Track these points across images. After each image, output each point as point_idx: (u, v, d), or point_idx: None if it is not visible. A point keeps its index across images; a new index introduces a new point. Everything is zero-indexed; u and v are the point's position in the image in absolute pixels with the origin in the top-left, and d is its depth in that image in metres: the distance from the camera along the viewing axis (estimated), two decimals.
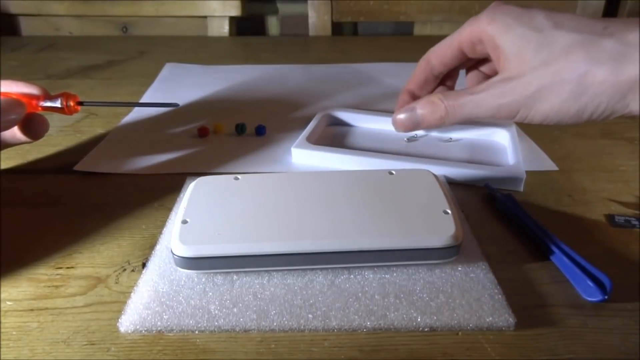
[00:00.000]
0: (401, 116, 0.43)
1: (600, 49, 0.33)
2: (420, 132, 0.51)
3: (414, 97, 0.46)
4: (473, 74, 0.46)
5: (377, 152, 0.45)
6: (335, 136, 0.51)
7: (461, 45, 0.41)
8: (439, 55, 0.44)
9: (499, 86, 0.37)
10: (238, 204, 0.33)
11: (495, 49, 0.38)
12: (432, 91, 0.47)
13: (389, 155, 0.45)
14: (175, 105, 0.42)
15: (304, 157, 0.46)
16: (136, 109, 0.58)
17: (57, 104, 0.39)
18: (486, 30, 0.38)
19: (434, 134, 0.51)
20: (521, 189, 0.42)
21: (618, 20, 0.34)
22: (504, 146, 0.49)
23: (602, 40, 0.33)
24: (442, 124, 0.41)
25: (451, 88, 0.47)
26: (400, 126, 0.43)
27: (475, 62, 0.45)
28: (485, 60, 0.44)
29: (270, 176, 0.37)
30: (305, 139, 0.47)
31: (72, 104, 0.40)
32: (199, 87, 0.66)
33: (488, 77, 0.44)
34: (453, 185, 0.42)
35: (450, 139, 0.50)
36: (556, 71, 0.34)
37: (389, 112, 0.55)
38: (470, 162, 0.45)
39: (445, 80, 0.47)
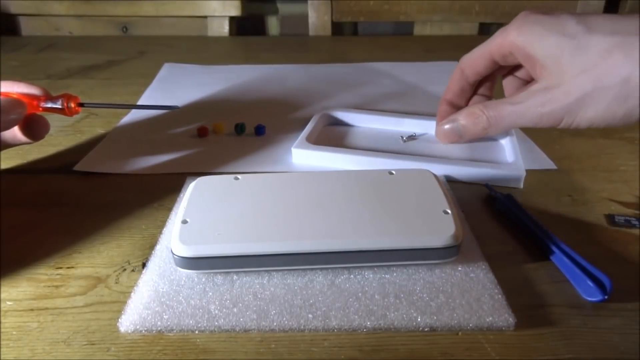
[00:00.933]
0: (445, 127, 0.43)
1: (638, 50, 0.32)
2: (419, 132, 0.51)
3: (453, 107, 0.46)
4: (509, 80, 0.45)
5: (377, 152, 0.45)
6: (334, 136, 0.51)
7: (492, 56, 0.41)
8: (472, 65, 0.44)
9: (540, 95, 0.36)
10: (238, 204, 0.33)
11: (529, 58, 0.37)
12: (469, 98, 0.47)
13: (389, 155, 0.45)
14: (175, 107, 0.42)
15: (304, 157, 0.46)
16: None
17: (58, 105, 0.39)
18: (515, 42, 0.37)
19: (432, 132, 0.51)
20: (521, 186, 0.42)
21: None
22: (502, 144, 0.49)
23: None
24: (484, 134, 0.41)
25: (488, 96, 0.47)
26: (443, 137, 0.44)
27: (510, 69, 0.44)
28: (519, 66, 0.43)
29: (270, 176, 0.37)
30: (305, 139, 0.47)
31: (72, 105, 0.40)
32: (198, 87, 0.66)
33: (525, 82, 0.44)
34: (453, 185, 0.42)
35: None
36: (597, 77, 0.33)
37: (387, 112, 0.55)
38: (470, 160, 0.45)
39: (481, 86, 0.46)
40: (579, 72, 0.34)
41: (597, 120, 0.34)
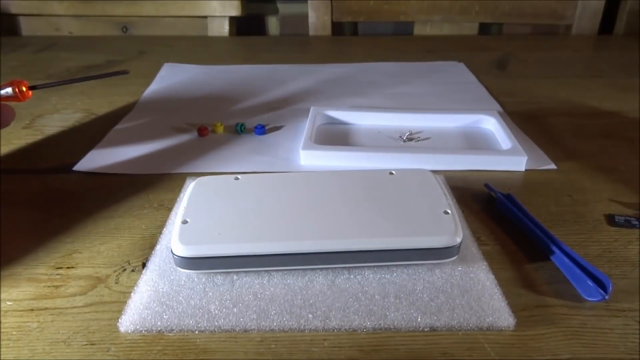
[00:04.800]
0: None
1: None
2: (417, 127, 0.51)
3: None
4: None
5: (384, 147, 0.46)
6: (335, 135, 0.51)
7: None
8: None
9: None
10: (238, 204, 0.33)
11: None
12: None
13: (399, 149, 0.46)
14: (125, 72, 0.42)
15: (312, 157, 0.46)
16: (136, 108, 0.58)
17: (9, 91, 0.39)
18: None
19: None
20: (524, 168, 0.43)
21: None
22: (492, 132, 0.51)
23: None
24: None
25: None
26: None
27: None
28: None
29: (270, 176, 0.37)
30: (310, 139, 0.47)
31: (24, 89, 0.40)
32: (198, 87, 0.66)
33: None
34: (453, 185, 0.42)
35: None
36: None
37: (386, 110, 0.55)
38: (472, 149, 0.47)
39: None
40: None
41: None
